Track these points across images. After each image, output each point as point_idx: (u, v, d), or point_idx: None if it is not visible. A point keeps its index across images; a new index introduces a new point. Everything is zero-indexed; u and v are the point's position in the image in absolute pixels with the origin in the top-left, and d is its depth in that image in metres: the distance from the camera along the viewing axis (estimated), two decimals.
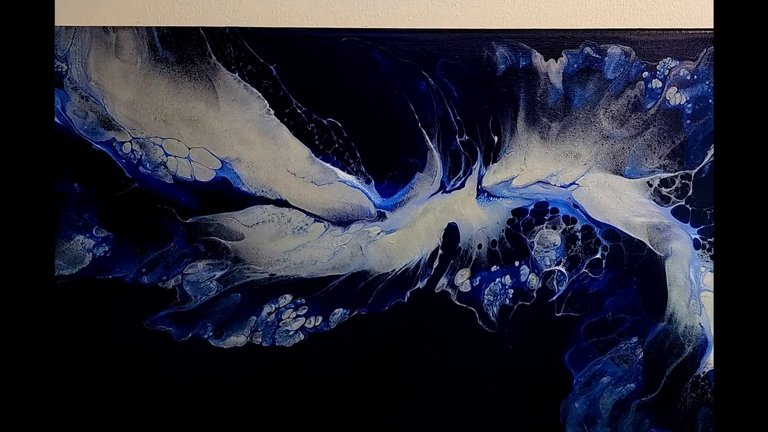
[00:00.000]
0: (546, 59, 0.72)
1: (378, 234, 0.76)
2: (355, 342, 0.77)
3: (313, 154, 0.73)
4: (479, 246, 0.77)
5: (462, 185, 0.75)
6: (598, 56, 0.73)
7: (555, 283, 0.77)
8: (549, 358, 0.78)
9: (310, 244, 0.75)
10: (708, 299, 0.79)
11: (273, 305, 0.76)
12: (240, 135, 0.72)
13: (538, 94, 0.73)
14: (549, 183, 0.76)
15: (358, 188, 0.74)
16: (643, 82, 0.74)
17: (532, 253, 0.77)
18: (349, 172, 0.74)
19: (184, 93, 0.71)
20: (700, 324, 0.79)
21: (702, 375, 0.80)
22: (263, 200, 0.74)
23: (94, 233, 0.74)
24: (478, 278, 0.77)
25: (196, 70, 0.71)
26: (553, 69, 0.73)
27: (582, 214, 0.77)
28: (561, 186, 0.76)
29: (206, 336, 0.76)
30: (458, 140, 0.74)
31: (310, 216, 0.75)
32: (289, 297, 0.76)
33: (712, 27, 0.72)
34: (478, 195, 0.76)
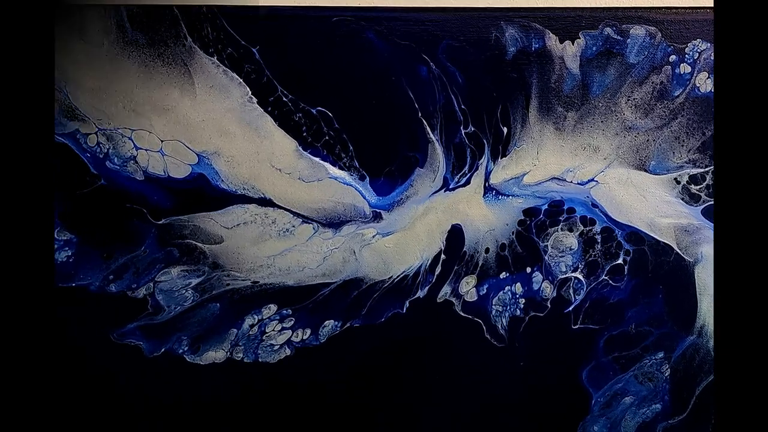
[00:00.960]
0: (561, 41, 0.71)
1: (373, 237, 0.74)
2: (347, 357, 0.76)
3: (300, 148, 0.71)
4: (486, 250, 0.75)
5: (467, 182, 0.74)
6: (619, 38, 0.71)
7: (571, 291, 0.76)
8: (565, 375, 0.78)
9: (298, 248, 0.73)
10: None
11: (256, 316, 0.75)
12: (219, 126, 0.70)
13: (553, 80, 0.72)
14: (565, 180, 0.74)
15: (350, 185, 0.73)
16: (669, 67, 0.72)
17: (546, 258, 0.76)
18: (340, 168, 0.72)
19: (156, 79, 0.69)
20: None
21: None
22: (245, 199, 0.72)
23: (55, 236, 0.71)
24: (485, 286, 0.76)
25: (169, 54, 0.69)
26: (569, 52, 0.71)
27: (602, 215, 0.75)
28: (578, 183, 0.74)
29: (181, 351, 0.74)
30: (463, 132, 0.72)
31: (298, 217, 0.73)
32: (273, 307, 0.75)
33: None
34: (485, 193, 0.74)
